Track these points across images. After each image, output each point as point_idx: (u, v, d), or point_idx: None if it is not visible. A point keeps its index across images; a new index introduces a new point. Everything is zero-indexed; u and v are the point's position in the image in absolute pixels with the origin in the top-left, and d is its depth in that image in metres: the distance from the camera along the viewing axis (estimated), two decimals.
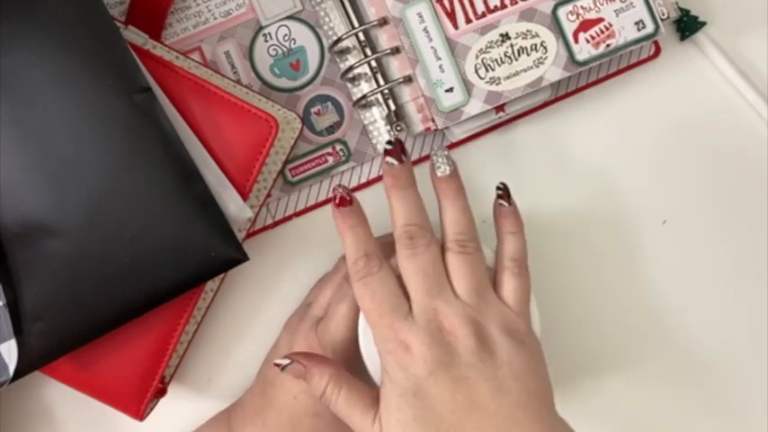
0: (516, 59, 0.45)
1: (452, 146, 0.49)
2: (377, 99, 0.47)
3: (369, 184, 0.49)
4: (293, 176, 0.48)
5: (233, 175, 0.42)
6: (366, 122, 0.48)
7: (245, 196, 0.42)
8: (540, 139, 0.50)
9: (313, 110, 0.48)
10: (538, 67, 0.45)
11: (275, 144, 0.43)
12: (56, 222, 0.39)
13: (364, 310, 0.39)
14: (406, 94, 0.46)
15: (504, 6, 0.45)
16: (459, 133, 0.47)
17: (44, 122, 0.39)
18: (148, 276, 0.40)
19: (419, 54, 0.44)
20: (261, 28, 0.47)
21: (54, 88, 0.39)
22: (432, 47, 0.44)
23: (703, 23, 0.50)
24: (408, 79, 0.45)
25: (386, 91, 0.47)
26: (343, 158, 0.48)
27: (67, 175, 0.39)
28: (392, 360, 0.37)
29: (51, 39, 0.39)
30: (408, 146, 0.49)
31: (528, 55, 0.45)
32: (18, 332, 0.39)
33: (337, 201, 0.40)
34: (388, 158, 0.40)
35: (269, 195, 0.46)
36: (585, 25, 0.45)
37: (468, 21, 0.45)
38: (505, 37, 0.45)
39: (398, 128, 0.48)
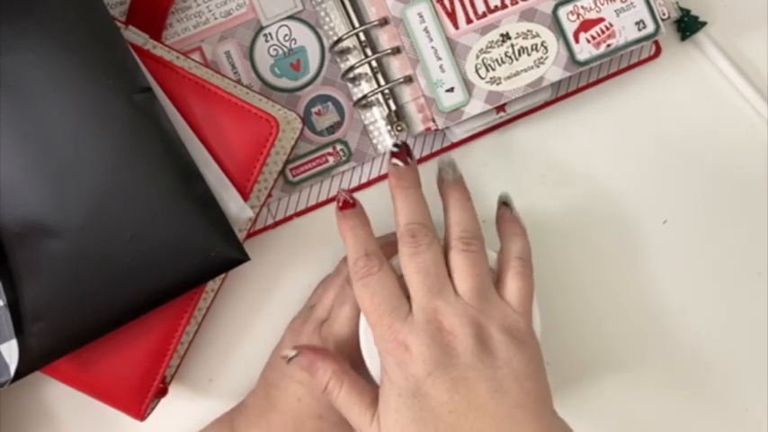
0: (517, 59, 0.45)
1: (453, 146, 0.49)
2: (377, 99, 0.47)
3: (369, 184, 0.49)
4: (294, 176, 0.48)
5: (233, 175, 0.42)
6: (366, 122, 0.48)
7: (245, 196, 0.42)
8: (540, 139, 0.50)
9: (313, 110, 0.48)
10: (538, 67, 0.45)
11: (276, 144, 0.43)
12: (56, 222, 0.39)
13: (364, 310, 0.39)
14: (406, 94, 0.46)
15: (504, 6, 0.45)
16: (459, 133, 0.47)
17: (44, 122, 0.39)
18: (149, 276, 0.40)
19: (420, 54, 0.44)
20: (261, 28, 0.47)
21: (54, 88, 0.39)
22: (432, 47, 0.44)
23: (704, 23, 0.50)
24: (409, 79, 0.45)
25: (386, 91, 0.47)
26: (344, 158, 0.48)
27: (68, 175, 0.39)
28: (391, 360, 0.37)
29: (51, 39, 0.39)
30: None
31: (528, 55, 0.45)
32: (19, 332, 0.39)
33: (341, 203, 0.40)
34: (395, 160, 0.40)
35: (269, 195, 0.46)
36: (586, 25, 0.45)
37: (469, 21, 0.45)
38: (506, 37, 0.45)
39: (399, 128, 0.48)
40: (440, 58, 0.44)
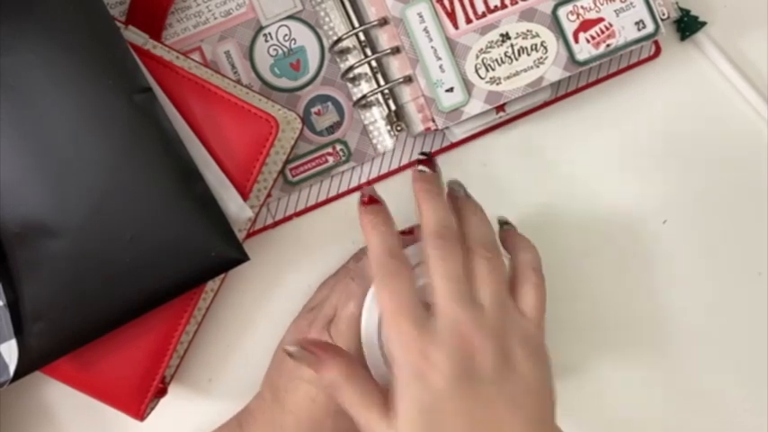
0: (516, 59, 0.45)
1: (453, 146, 0.49)
2: (377, 99, 0.47)
3: (369, 183, 0.49)
4: (293, 176, 0.48)
5: (233, 175, 0.42)
6: (366, 122, 0.48)
7: (245, 196, 0.42)
8: (540, 139, 0.50)
9: (313, 110, 0.48)
10: (538, 66, 0.45)
11: (275, 144, 0.43)
12: (56, 222, 0.39)
13: (383, 311, 0.37)
14: (406, 94, 0.46)
15: (504, 6, 0.45)
16: (459, 133, 0.47)
17: (44, 122, 0.39)
18: (149, 276, 0.40)
19: (419, 54, 0.44)
20: (261, 28, 0.47)
21: (54, 88, 0.39)
22: (432, 47, 0.44)
23: (704, 23, 0.50)
24: (408, 79, 0.45)
25: (386, 91, 0.47)
26: (344, 158, 0.48)
27: (67, 175, 0.39)
28: (408, 369, 0.35)
29: (51, 39, 0.39)
30: (409, 146, 0.49)
31: (528, 55, 0.45)
32: (18, 332, 0.39)
33: (365, 200, 0.40)
34: (421, 167, 0.40)
35: (269, 195, 0.46)
36: (586, 25, 0.45)
37: (469, 21, 0.45)
38: (506, 37, 0.45)
39: (399, 128, 0.48)
40: (439, 58, 0.44)
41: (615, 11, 0.45)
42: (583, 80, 0.50)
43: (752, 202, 0.51)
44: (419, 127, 0.46)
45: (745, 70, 0.50)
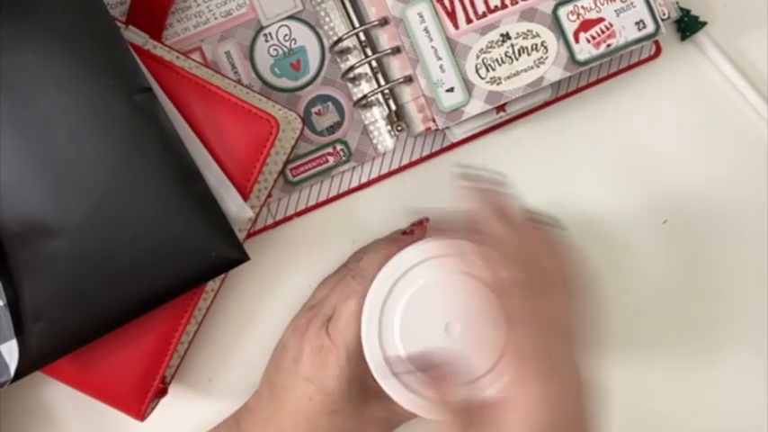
0: (517, 59, 0.45)
1: (453, 146, 0.49)
2: (377, 99, 0.47)
3: (369, 183, 0.49)
4: (294, 176, 0.48)
5: (234, 175, 0.42)
6: (367, 122, 0.48)
7: (245, 196, 0.42)
8: (540, 140, 0.50)
9: (314, 110, 0.48)
10: (538, 66, 0.45)
11: (276, 144, 0.43)
12: (56, 222, 0.39)
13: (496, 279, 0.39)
14: (406, 94, 0.46)
15: (504, 6, 0.45)
16: (459, 133, 0.47)
17: (44, 122, 0.39)
18: (149, 276, 0.40)
19: (420, 54, 0.44)
20: (261, 28, 0.47)
21: (54, 88, 0.39)
22: (432, 47, 0.44)
23: (704, 23, 0.50)
24: (409, 79, 0.45)
25: (386, 91, 0.47)
26: (344, 158, 0.48)
27: (68, 175, 0.39)
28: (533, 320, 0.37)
29: (52, 39, 0.39)
30: (409, 146, 0.49)
31: (528, 55, 0.45)
32: (19, 332, 0.39)
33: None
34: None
35: (269, 195, 0.46)
36: (586, 25, 0.45)
37: (469, 21, 0.45)
38: (506, 37, 0.45)
39: (399, 128, 0.48)
40: (440, 58, 0.44)
41: (615, 11, 0.45)
42: (583, 80, 0.50)
43: (752, 201, 0.51)
44: (419, 127, 0.46)
45: (745, 70, 0.51)
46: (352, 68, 0.47)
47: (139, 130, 0.39)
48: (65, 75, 0.39)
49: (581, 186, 0.50)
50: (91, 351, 0.42)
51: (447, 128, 0.46)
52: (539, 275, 0.38)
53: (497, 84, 0.45)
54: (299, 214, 0.48)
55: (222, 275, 0.44)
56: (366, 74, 0.47)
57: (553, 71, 0.45)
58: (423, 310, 0.40)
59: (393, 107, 0.47)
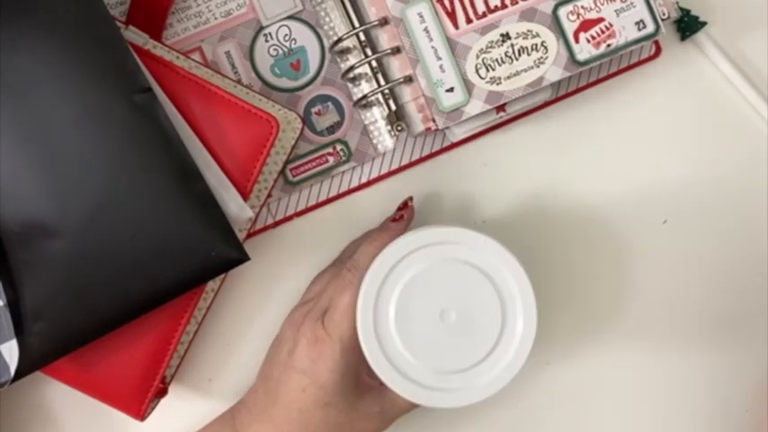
0: (517, 59, 0.45)
1: (453, 146, 0.49)
2: (377, 99, 0.47)
3: (369, 183, 0.49)
4: (294, 176, 0.48)
5: (234, 175, 0.42)
6: (367, 122, 0.48)
7: (245, 196, 0.42)
8: (540, 140, 0.50)
9: (314, 110, 0.48)
10: (538, 66, 0.45)
11: (276, 144, 0.43)
12: (56, 222, 0.39)
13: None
14: (406, 94, 0.46)
15: (504, 6, 0.45)
16: (459, 133, 0.47)
17: (44, 122, 0.39)
18: (149, 276, 0.40)
19: (420, 54, 0.44)
20: (261, 28, 0.47)
21: (54, 88, 0.39)
22: (432, 47, 0.44)
23: (704, 23, 0.50)
24: (409, 79, 0.45)
25: (386, 91, 0.47)
26: (344, 158, 0.48)
27: (68, 175, 0.39)
28: None
29: (52, 39, 0.39)
30: (409, 146, 0.49)
31: (528, 55, 0.45)
32: (19, 332, 0.39)
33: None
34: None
35: (269, 195, 0.46)
36: (586, 25, 0.45)
37: (469, 21, 0.45)
38: (506, 37, 0.45)
39: (399, 128, 0.48)
40: (440, 58, 0.44)
41: (615, 11, 0.45)
42: (583, 80, 0.50)
43: (752, 201, 0.51)
44: (419, 127, 0.46)
45: (745, 70, 0.50)
46: (352, 68, 0.47)
47: (139, 130, 0.39)
48: (65, 75, 0.39)
49: (581, 186, 0.50)
50: (91, 351, 0.42)
51: (447, 128, 0.46)
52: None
53: (497, 84, 0.45)
54: (298, 214, 0.48)
55: (222, 275, 0.44)
56: (366, 74, 0.47)
57: (553, 71, 0.45)
58: (417, 299, 0.40)
59: (393, 107, 0.47)
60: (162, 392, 0.44)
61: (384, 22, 0.45)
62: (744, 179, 0.51)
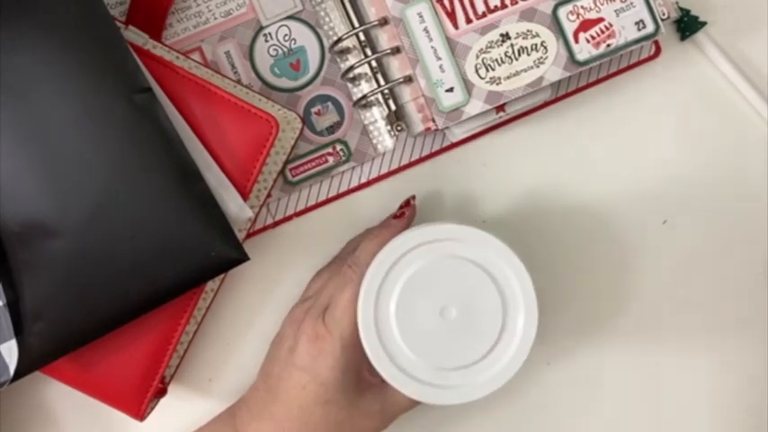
0: (516, 59, 0.45)
1: (453, 146, 0.49)
2: (377, 99, 0.47)
3: (369, 183, 0.49)
4: (293, 176, 0.48)
5: (233, 175, 0.42)
6: (366, 122, 0.48)
7: (245, 196, 0.42)
8: (540, 139, 0.50)
9: (313, 110, 0.48)
10: (538, 66, 0.45)
11: (276, 144, 0.43)
12: (56, 222, 0.39)
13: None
14: (406, 94, 0.46)
15: (504, 6, 0.45)
16: (459, 133, 0.47)
17: (44, 122, 0.39)
18: (149, 276, 0.40)
19: (419, 54, 0.44)
20: (261, 28, 0.47)
21: (54, 88, 0.39)
22: (432, 47, 0.44)
23: (704, 23, 0.50)
24: (409, 79, 0.45)
25: (386, 91, 0.47)
26: (344, 158, 0.48)
27: (68, 175, 0.39)
28: None
29: (52, 39, 0.39)
30: (409, 146, 0.49)
31: (528, 55, 0.45)
32: (19, 332, 0.39)
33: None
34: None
35: (269, 195, 0.46)
36: (586, 25, 0.45)
37: (469, 21, 0.45)
38: (506, 37, 0.45)
39: (399, 128, 0.48)
40: (440, 58, 0.44)
41: (615, 11, 0.45)
42: (583, 80, 0.50)
43: (752, 201, 0.51)
44: (419, 127, 0.46)
45: (745, 70, 0.50)
46: (351, 68, 0.47)
47: (139, 130, 0.39)
48: (65, 75, 0.39)
49: (580, 186, 0.50)
50: (91, 351, 0.42)
51: (447, 128, 0.46)
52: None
53: (497, 84, 0.45)
54: (298, 214, 0.48)
55: (222, 275, 0.44)
56: (366, 74, 0.47)
57: (553, 71, 0.45)
58: (418, 296, 0.40)
59: (393, 107, 0.47)
60: (161, 392, 0.44)
61: (384, 22, 0.45)
62: (744, 179, 0.51)
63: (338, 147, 0.48)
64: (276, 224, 0.48)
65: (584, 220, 0.50)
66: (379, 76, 0.47)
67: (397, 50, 0.45)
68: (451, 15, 0.44)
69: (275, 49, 0.47)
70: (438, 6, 0.44)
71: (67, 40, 0.39)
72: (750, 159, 0.51)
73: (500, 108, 0.46)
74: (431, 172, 0.49)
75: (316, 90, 0.48)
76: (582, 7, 0.45)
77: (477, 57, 0.44)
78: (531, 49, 0.45)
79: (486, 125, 0.47)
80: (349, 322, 0.41)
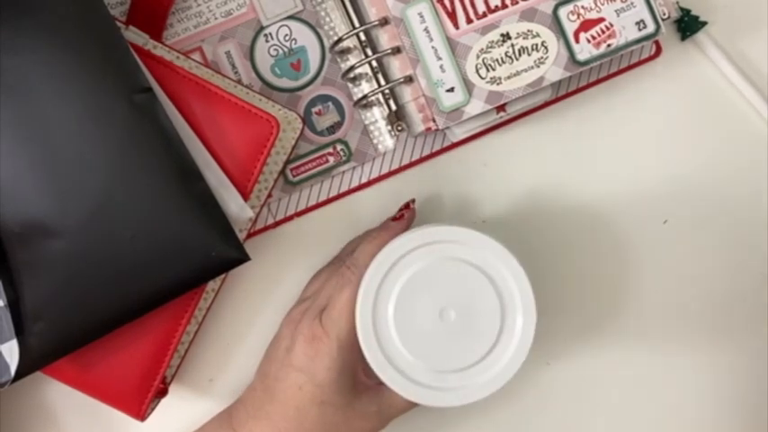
0: (517, 59, 0.45)
1: (453, 146, 0.49)
2: (378, 99, 0.47)
3: (369, 183, 0.49)
4: (294, 176, 0.48)
5: (234, 176, 0.42)
6: (367, 122, 0.48)
7: (246, 196, 0.42)
8: (540, 140, 0.50)
9: (314, 110, 0.48)
10: (539, 66, 0.45)
11: (276, 144, 0.43)
12: (56, 222, 0.39)
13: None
14: (406, 94, 0.46)
15: (504, 6, 0.45)
16: (459, 133, 0.47)
17: (45, 122, 0.39)
18: (149, 276, 0.40)
19: (420, 54, 0.44)
20: (262, 28, 0.47)
21: (54, 88, 0.39)
22: (432, 47, 0.44)
23: (704, 23, 0.50)
24: (409, 79, 0.45)
25: (387, 91, 0.47)
26: (344, 158, 0.48)
27: (68, 175, 0.39)
28: None
29: (52, 39, 0.39)
30: (409, 146, 0.49)
31: (529, 55, 0.45)
32: (19, 332, 0.39)
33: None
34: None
35: (270, 195, 0.46)
36: (586, 25, 0.45)
37: (469, 21, 0.45)
38: (506, 37, 0.45)
39: (399, 128, 0.48)
40: (440, 58, 0.44)
41: (616, 11, 0.45)
42: (583, 80, 0.50)
43: (752, 201, 0.51)
44: (420, 127, 0.46)
45: (745, 70, 0.50)
46: (352, 68, 0.47)
47: (139, 130, 0.39)
48: (65, 75, 0.39)
49: (581, 186, 0.50)
50: (91, 351, 0.42)
51: (447, 128, 0.46)
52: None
53: (497, 84, 0.45)
54: (299, 214, 0.48)
55: (223, 275, 0.44)
56: (366, 74, 0.47)
57: (553, 71, 0.45)
58: (417, 297, 0.40)
59: (393, 107, 0.47)
60: (162, 392, 0.44)
61: (384, 22, 0.45)
62: (744, 179, 0.51)
63: (339, 147, 0.48)
64: (277, 224, 0.48)
65: (585, 220, 0.50)
66: (380, 76, 0.47)
67: (397, 50, 0.45)
68: (452, 15, 0.44)
69: (276, 49, 0.47)
70: (438, 6, 0.44)
71: (68, 40, 0.39)
72: (750, 159, 0.51)
73: (500, 108, 0.46)
74: (431, 172, 0.49)
75: (316, 90, 0.48)
76: (582, 7, 0.45)
77: (478, 57, 0.44)
78: (532, 49, 0.45)
79: (486, 125, 0.47)
80: (346, 323, 0.41)
